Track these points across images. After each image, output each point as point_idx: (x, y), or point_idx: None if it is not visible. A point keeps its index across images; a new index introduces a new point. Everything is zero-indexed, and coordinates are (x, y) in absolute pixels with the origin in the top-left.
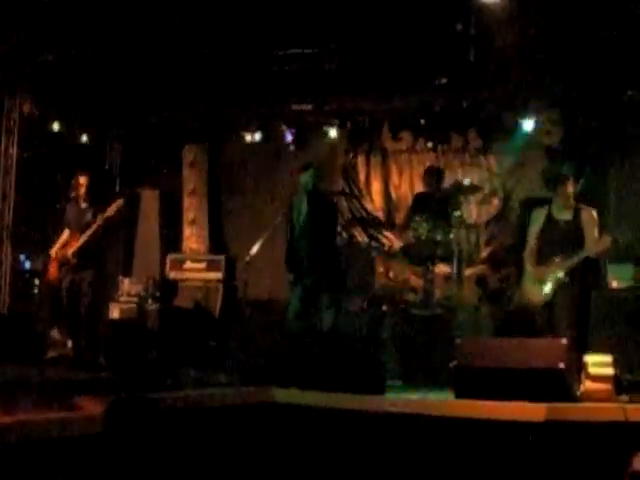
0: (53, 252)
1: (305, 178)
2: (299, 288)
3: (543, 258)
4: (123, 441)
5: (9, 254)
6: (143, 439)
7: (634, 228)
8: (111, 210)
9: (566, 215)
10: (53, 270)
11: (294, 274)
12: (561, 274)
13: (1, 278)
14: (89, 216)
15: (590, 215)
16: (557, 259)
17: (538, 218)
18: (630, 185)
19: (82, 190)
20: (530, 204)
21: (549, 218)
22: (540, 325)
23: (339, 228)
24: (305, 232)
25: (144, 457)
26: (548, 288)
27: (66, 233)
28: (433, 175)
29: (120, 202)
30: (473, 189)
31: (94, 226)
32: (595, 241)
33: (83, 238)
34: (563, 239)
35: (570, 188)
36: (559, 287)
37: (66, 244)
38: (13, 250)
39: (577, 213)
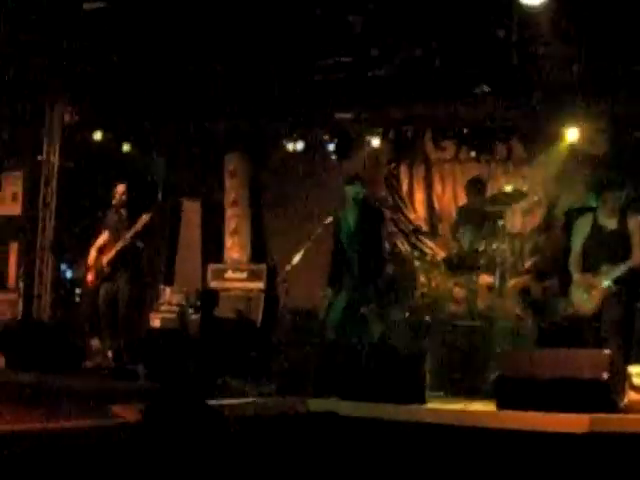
0: (90, 260)
1: (355, 189)
2: (342, 299)
3: (589, 266)
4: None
5: (50, 263)
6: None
7: None
8: (138, 226)
9: (612, 223)
10: (91, 278)
11: (335, 285)
12: (609, 283)
13: (43, 287)
14: (126, 225)
15: (637, 222)
16: (604, 268)
17: (584, 226)
18: None
19: (121, 199)
20: (574, 214)
21: (595, 226)
22: (586, 336)
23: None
24: (353, 243)
25: (180, 462)
26: (596, 297)
27: (103, 237)
28: (476, 186)
29: (147, 217)
30: (517, 196)
31: (124, 240)
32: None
33: (116, 248)
34: (610, 247)
35: (616, 195)
36: (608, 297)
37: (103, 252)
38: (54, 259)
39: (624, 221)
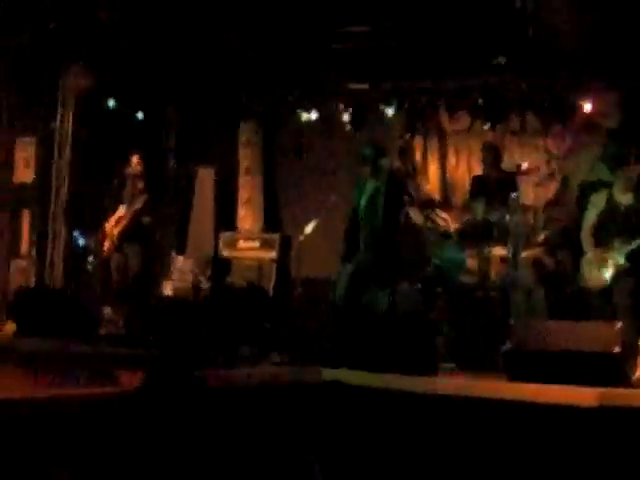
0: (107, 228)
1: (383, 162)
2: (350, 266)
3: (602, 241)
4: (159, 412)
5: (63, 231)
6: (183, 415)
7: None
8: (138, 204)
9: (628, 198)
10: (108, 246)
11: (347, 253)
12: (621, 259)
13: (55, 255)
14: (142, 196)
15: None
16: (617, 243)
17: (598, 201)
18: None
19: (137, 169)
20: (588, 187)
21: (610, 201)
22: (597, 309)
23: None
24: (372, 216)
25: (184, 431)
26: (608, 273)
27: (121, 210)
28: (490, 151)
29: (143, 199)
30: (531, 171)
31: (128, 216)
32: None
33: (126, 219)
34: (624, 223)
35: (630, 171)
36: (619, 272)
37: (118, 221)
38: (67, 227)
39: (639, 197)
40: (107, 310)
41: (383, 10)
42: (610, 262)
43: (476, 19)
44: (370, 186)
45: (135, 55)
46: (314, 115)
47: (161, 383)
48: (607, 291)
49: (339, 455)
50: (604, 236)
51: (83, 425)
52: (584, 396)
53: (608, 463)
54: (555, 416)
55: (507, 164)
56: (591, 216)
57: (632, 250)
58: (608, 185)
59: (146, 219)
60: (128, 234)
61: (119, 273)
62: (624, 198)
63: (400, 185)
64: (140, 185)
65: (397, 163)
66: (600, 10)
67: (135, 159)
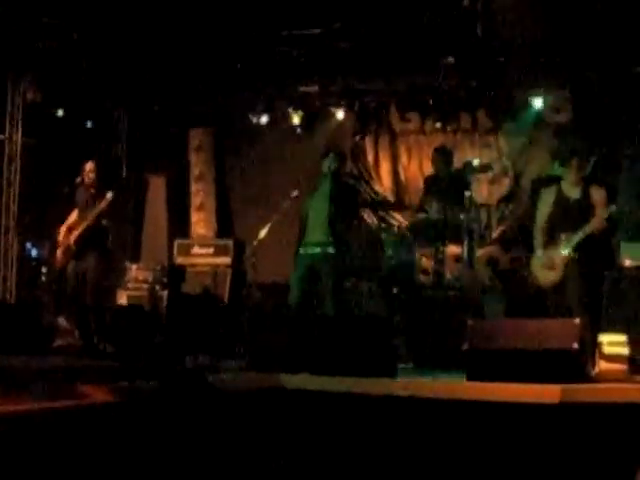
0: (60, 237)
1: (329, 163)
2: (298, 271)
3: (553, 236)
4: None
5: (15, 242)
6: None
7: None
8: (102, 205)
9: (576, 193)
10: (60, 255)
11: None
12: (568, 251)
13: (7, 267)
14: (94, 204)
15: (599, 193)
16: (563, 236)
17: (548, 197)
18: None
19: (90, 176)
20: (540, 183)
21: (559, 196)
22: (552, 306)
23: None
24: (321, 216)
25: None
26: (556, 272)
27: (73, 216)
28: (441, 155)
29: (109, 196)
30: (483, 168)
31: (89, 218)
32: (598, 218)
33: (82, 227)
34: (573, 217)
35: (580, 165)
36: (569, 267)
37: (71, 229)
38: (19, 238)
39: (587, 191)
40: (62, 321)
41: (332, 12)
42: (559, 256)
43: (425, 19)
44: (319, 188)
45: (83, 64)
46: (264, 119)
47: (175, 390)
48: (561, 287)
49: (302, 460)
50: (556, 231)
51: (50, 439)
52: (544, 393)
53: (570, 458)
54: (516, 414)
55: (459, 162)
56: (543, 212)
57: (578, 242)
58: (558, 180)
59: (106, 222)
60: (85, 240)
61: (76, 281)
62: (573, 192)
63: (347, 186)
64: (93, 193)
65: (349, 164)
66: (548, 7)
67: (88, 167)
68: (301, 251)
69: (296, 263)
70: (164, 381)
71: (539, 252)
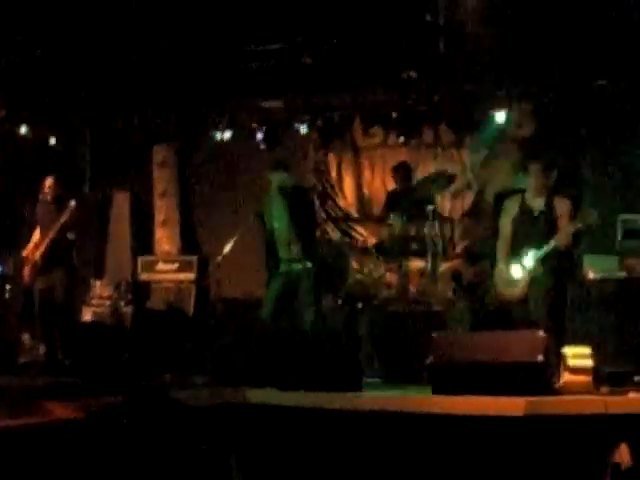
0: (25, 254)
1: (278, 177)
2: (274, 287)
3: (517, 249)
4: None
5: None
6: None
7: (607, 219)
8: (65, 216)
9: (539, 205)
10: (27, 272)
11: (269, 273)
12: (533, 265)
13: None
14: (55, 218)
15: (564, 204)
16: (528, 250)
17: (511, 208)
18: (603, 175)
19: (50, 192)
20: (504, 197)
21: (523, 207)
22: (516, 319)
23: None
24: (284, 232)
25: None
26: (520, 286)
27: (37, 234)
28: (401, 171)
29: (72, 206)
30: (446, 179)
31: (52, 232)
32: (564, 232)
33: (47, 241)
34: (537, 229)
35: (541, 171)
36: (532, 280)
37: (36, 246)
38: None
39: (551, 203)
40: (26, 337)
41: (295, 26)
42: (523, 269)
43: (387, 33)
44: (275, 203)
45: (46, 80)
46: (228, 134)
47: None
48: (525, 300)
49: (272, 476)
50: (519, 243)
51: (18, 457)
52: (509, 406)
53: (536, 471)
54: (482, 427)
55: (422, 177)
56: (506, 223)
57: (543, 256)
58: (522, 192)
59: (71, 235)
60: (53, 255)
61: (43, 298)
62: (536, 204)
63: (304, 199)
64: (54, 209)
65: (312, 179)
66: (510, 21)
67: (48, 182)
68: (281, 268)
69: (272, 280)
70: (128, 397)
71: (502, 265)
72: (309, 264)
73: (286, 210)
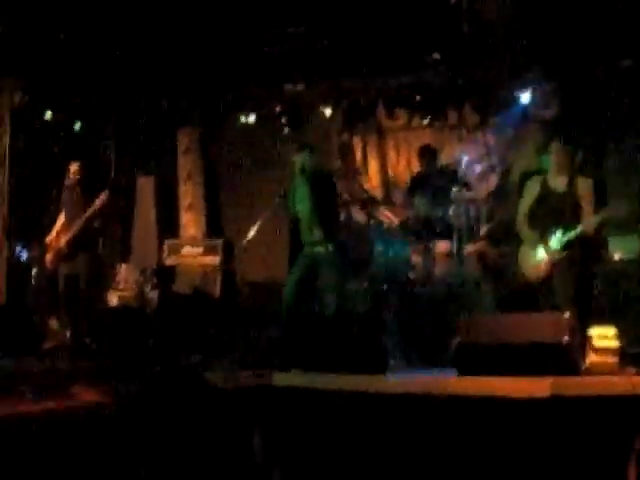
0: (49, 240)
1: (301, 159)
2: (297, 270)
3: (540, 228)
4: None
5: (5, 245)
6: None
7: (632, 201)
8: (96, 206)
9: (562, 185)
10: (50, 258)
11: (293, 258)
12: (558, 248)
13: None
14: (83, 205)
15: (587, 185)
16: (553, 232)
17: (533, 188)
18: (628, 158)
19: (76, 178)
20: (527, 178)
21: (544, 188)
22: (541, 300)
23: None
24: (305, 214)
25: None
26: (543, 267)
27: (61, 220)
28: (427, 154)
29: (104, 197)
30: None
31: (81, 221)
32: (589, 218)
33: (74, 228)
34: (559, 209)
35: (563, 154)
36: (558, 263)
37: (61, 232)
38: (9, 241)
39: (573, 183)
40: (52, 322)
41: (316, 10)
42: (547, 251)
43: (410, 16)
44: (299, 186)
45: (70, 65)
46: (252, 118)
47: (171, 388)
48: (550, 282)
49: (298, 459)
50: (540, 223)
51: (46, 441)
52: (536, 387)
53: (562, 452)
54: (508, 408)
55: (447, 158)
56: (526, 203)
57: (569, 240)
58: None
59: (98, 224)
60: (78, 243)
61: (68, 284)
62: (558, 184)
63: (327, 181)
64: (79, 194)
65: (337, 162)
66: (534, 2)
67: (73, 168)
68: (304, 251)
69: (295, 263)
70: (158, 380)
71: (525, 246)
72: (331, 247)
73: (309, 192)
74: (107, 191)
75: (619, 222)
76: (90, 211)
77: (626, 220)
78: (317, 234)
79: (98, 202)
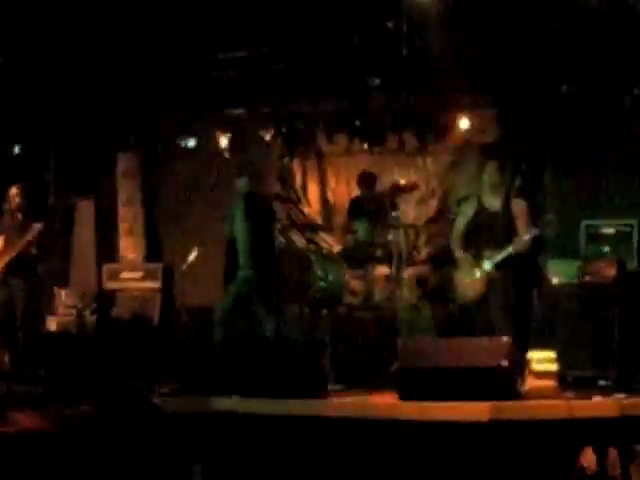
0: None
1: (240, 183)
2: (229, 295)
3: (472, 248)
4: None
5: None
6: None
7: (570, 224)
8: (29, 236)
9: (496, 205)
10: None
11: (228, 282)
12: (490, 267)
13: None
14: (22, 230)
15: (521, 206)
16: (486, 252)
17: (467, 209)
18: (566, 181)
19: (16, 201)
20: (464, 201)
21: (479, 208)
22: (479, 323)
23: (276, 232)
24: (242, 238)
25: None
26: (479, 282)
27: (0, 243)
28: (366, 180)
29: (38, 226)
30: (410, 187)
31: (15, 248)
32: (521, 236)
33: (10, 254)
34: (493, 229)
35: (496, 174)
36: (491, 282)
37: (1, 256)
38: None
39: (507, 203)
40: None
41: (259, 35)
42: (480, 271)
43: (350, 40)
44: (237, 209)
45: (8, 88)
46: (192, 142)
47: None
48: (485, 305)
49: None
50: (474, 243)
51: None
52: (475, 411)
53: (503, 477)
54: (448, 432)
55: (386, 183)
56: (460, 223)
57: (502, 259)
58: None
59: (34, 250)
60: (14, 268)
61: (3, 308)
62: (493, 204)
63: (265, 206)
64: (20, 217)
65: (277, 187)
66: (474, 28)
67: (14, 191)
68: (238, 275)
69: (229, 287)
70: (103, 404)
71: (460, 262)
72: (251, 273)
73: (246, 216)
74: (41, 221)
75: (557, 245)
76: (24, 240)
77: (565, 243)
78: (248, 258)
79: (31, 232)
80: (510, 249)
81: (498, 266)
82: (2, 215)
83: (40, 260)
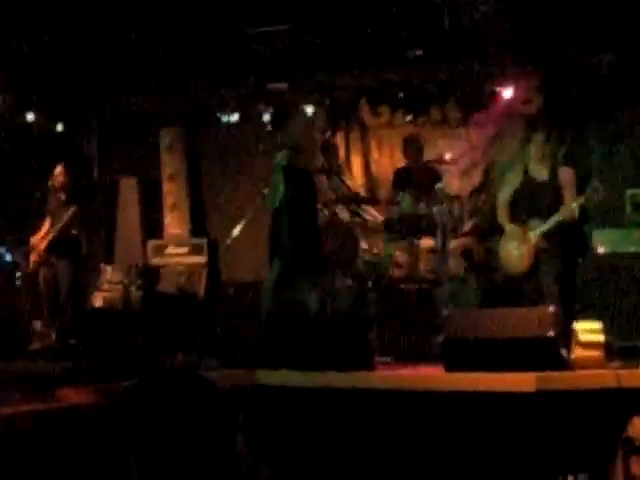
0: (33, 242)
1: (279, 157)
2: (275, 270)
3: (518, 218)
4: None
5: None
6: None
7: (617, 193)
8: (66, 219)
9: (543, 174)
10: (32, 261)
11: (273, 256)
12: (537, 237)
13: None
14: (67, 207)
15: (568, 174)
16: (534, 221)
17: (513, 178)
18: (611, 150)
19: (60, 180)
20: (509, 171)
21: (525, 178)
22: (526, 294)
23: (320, 206)
24: (284, 212)
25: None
26: (528, 252)
27: (47, 223)
28: (411, 144)
29: (71, 210)
30: (454, 161)
31: (55, 229)
32: (569, 204)
33: (53, 233)
34: (540, 199)
35: (543, 145)
36: (540, 255)
37: (45, 235)
38: None
39: (555, 172)
40: (37, 324)
41: (299, 8)
42: (528, 242)
43: (392, 12)
44: (278, 183)
45: (51, 67)
46: (235, 117)
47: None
48: (533, 275)
49: (286, 456)
50: (521, 213)
51: (32, 443)
52: (521, 381)
53: (548, 446)
54: (494, 403)
55: (430, 155)
56: (506, 193)
57: (548, 230)
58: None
59: (74, 231)
60: (56, 248)
61: (48, 287)
62: (540, 173)
63: (306, 181)
64: (63, 197)
65: (321, 160)
66: None
67: (58, 170)
68: (283, 249)
69: (274, 261)
70: (151, 379)
71: (506, 239)
72: (307, 246)
73: (286, 190)
74: (78, 203)
75: (603, 214)
76: (62, 222)
77: (609, 212)
78: (288, 232)
79: (68, 214)
80: (556, 218)
81: (546, 236)
82: (48, 193)
83: (84, 237)
